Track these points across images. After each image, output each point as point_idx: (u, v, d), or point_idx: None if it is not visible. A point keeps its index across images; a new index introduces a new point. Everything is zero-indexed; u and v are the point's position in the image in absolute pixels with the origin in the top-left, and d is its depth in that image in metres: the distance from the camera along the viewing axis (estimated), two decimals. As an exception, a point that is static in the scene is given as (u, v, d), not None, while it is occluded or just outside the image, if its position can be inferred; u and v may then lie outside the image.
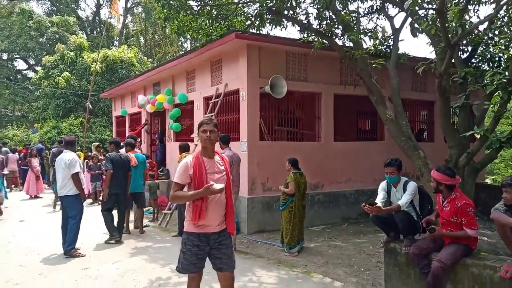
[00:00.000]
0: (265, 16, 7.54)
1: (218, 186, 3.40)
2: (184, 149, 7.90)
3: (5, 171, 10.25)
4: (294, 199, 6.73)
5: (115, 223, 7.55)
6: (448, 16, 5.63)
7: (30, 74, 34.52)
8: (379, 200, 4.93)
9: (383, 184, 5.10)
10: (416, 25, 7.23)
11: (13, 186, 15.40)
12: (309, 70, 9.12)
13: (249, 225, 8.23)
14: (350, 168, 9.53)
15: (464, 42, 6.95)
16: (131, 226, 8.36)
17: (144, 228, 8.39)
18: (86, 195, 7.02)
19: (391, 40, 7.69)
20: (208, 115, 9.25)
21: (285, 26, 7.73)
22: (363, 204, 4.66)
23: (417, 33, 7.34)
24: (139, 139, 12.35)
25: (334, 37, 7.54)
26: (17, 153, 15.93)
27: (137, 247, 7.09)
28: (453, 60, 6.23)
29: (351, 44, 7.40)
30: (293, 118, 9.26)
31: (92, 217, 8.88)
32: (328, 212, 9.20)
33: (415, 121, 11.47)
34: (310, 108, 9.41)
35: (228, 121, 9.09)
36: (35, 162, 13.22)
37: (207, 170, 3.51)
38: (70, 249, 6.48)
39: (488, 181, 15.73)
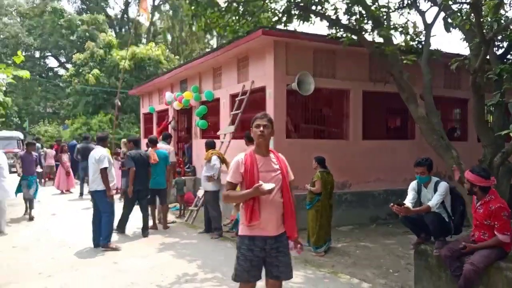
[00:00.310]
0: (293, 12, 7.46)
1: (268, 186, 3.18)
2: (210, 146, 7.94)
3: (39, 169, 10.55)
4: (321, 198, 6.65)
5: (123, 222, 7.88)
6: (483, 10, 5.44)
7: (61, 71, 35.61)
8: (409, 200, 4.82)
9: (413, 184, 4.99)
10: (449, 20, 7.04)
11: (46, 179, 15.89)
12: (337, 66, 8.98)
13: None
14: (379, 167, 9.32)
15: (500, 37, 6.72)
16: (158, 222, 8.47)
17: (171, 224, 8.50)
18: (115, 191, 7.15)
19: (423, 35, 7.47)
20: (235, 112, 9.26)
21: (313, 22, 7.61)
22: (391, 204, 4.57)
23: (451, 28, 7.13)
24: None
25: (363, 33, 7.38)
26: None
27: (164, 243, 7.18)
28: (487, 56, 6.01)
29: (381, 40, 7.23)
30: (321, 115, 9.15)
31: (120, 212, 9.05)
32: (356, 212, 9.04)
33: (448, 120, 11.14)
34: (338, 106, 9.26)
35: (255, 119, 9.02)
36: (65, 157, 13.59)
37: (260, 168, 3.32)
38: (106, 242, 6.68)
39: (523, 181, 15.19)
